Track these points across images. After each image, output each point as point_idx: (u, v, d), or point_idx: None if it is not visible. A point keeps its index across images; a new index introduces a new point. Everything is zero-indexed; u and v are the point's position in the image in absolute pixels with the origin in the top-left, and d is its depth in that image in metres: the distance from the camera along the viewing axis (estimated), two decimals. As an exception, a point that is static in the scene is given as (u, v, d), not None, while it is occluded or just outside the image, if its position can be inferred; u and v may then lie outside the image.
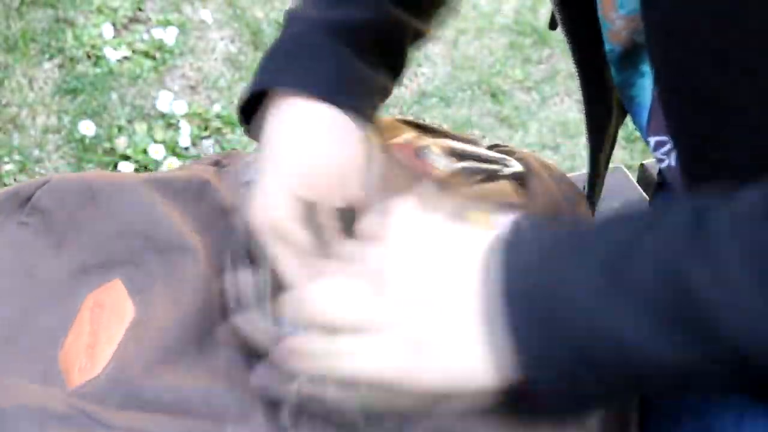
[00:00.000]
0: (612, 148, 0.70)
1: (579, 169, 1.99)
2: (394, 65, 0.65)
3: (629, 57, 0.56)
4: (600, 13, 0.55)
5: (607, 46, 0.56)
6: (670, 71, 0.47)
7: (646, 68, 0.55)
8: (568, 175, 0.74)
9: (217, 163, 0.68)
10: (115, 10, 2.08)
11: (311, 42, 0.62)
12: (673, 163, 0.56)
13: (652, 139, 0.57)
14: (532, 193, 0.69)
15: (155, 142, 1.83)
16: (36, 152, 1.78)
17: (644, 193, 0.89)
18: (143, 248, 0.59)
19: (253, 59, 2.06)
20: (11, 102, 1.84)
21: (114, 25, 2.05)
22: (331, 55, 0.61)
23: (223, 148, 1.87)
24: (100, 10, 2.07)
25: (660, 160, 0.57)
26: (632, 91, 0.57)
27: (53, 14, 2.03)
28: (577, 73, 0.62)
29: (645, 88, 0.56)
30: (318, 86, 0.60)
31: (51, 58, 1.94)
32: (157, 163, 1.78)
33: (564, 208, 0.69)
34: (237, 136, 1.88)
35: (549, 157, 2.00)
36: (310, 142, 0.59)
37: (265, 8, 2.19)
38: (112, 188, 0.62)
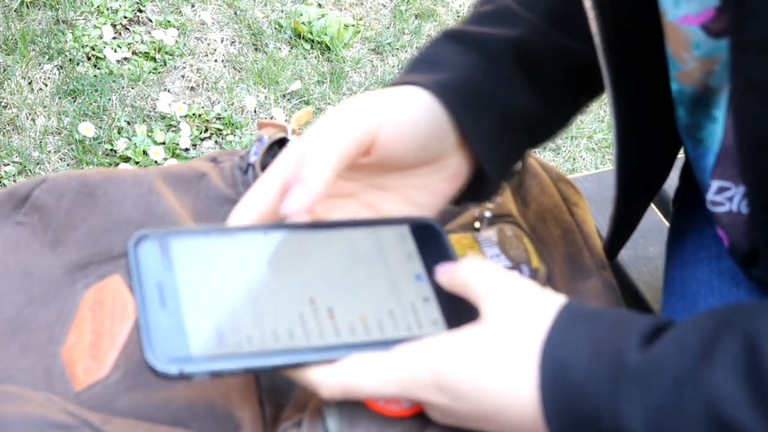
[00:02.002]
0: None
1: (579, 171, 1.99)
2: (544, 91, 0.58)
3: (700, 99, 0.54)
4: (669, 52, 0.53)
5: (675, 86, 0.55)
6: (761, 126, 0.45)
7: (718, 113, 0.53)
8: (569, 176, 0.74)
9: (213, 160, 0.69)
10: (115, 12, 2.08)
11: (436, 50, 0.57)
12: (734, 209, 0.56)
13: (715, 183, 0.56)
14: (531, 194, 0.69)
15: (155, 143, 1.83)
16: (36, 154, 1.78)
17: (658, 211, 0.89)
18: None
19: (253, 60, 2.06)
20: (11, 103, 1.84)
21: (114, 26, 2.05)
22: (454, 63, 0.55)
23: (223, 150, 1.87)
24: (100, 12, 2.07)
25: (716, 203, 0.57)
26: (700, 134, 0.56)
27: (53, 15, 2.03)
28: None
29: (714, 132, 0.54)
30: (430, 85, 0.54)
31: (51, 59, 1.94)
32: (158, 165, 1.77)
33: (562, 209, 0.68)
34: (237, 137, 1.88)
35: (550, 159, 2.00)
36: (399, 102, 0.53)
37: (265, 9, 2.19)
38: (109, 183, 0.61)
